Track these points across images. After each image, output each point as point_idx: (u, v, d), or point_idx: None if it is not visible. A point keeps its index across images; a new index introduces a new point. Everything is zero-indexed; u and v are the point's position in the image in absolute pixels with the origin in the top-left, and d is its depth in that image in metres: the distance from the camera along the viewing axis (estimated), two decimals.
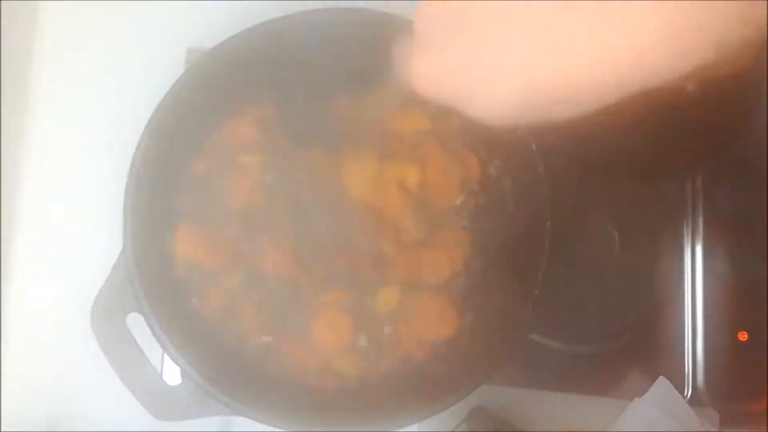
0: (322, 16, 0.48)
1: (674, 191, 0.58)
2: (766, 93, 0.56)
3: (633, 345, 0.56)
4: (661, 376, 0.51)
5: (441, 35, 0.30)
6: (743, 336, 0.56)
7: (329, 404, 0.49)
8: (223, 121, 0.52)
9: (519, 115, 0.28)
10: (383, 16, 0.48)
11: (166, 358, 0.46)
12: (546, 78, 0.26)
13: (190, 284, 0.51)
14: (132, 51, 0.60)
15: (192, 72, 0.48)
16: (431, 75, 0.30)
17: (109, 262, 0.47)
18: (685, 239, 0.57)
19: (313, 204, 0.51)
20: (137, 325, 0.46)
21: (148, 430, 0.49)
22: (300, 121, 0.53)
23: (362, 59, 0.51)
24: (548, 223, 0.47)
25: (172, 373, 0.50)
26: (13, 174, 0.58)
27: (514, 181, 0.52)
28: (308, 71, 0.52)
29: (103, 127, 0.59)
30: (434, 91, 0.31)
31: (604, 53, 0.25)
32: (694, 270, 0.57)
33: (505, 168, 0.53)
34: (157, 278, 0.48)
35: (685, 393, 0.55)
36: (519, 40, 0.26)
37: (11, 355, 0.56)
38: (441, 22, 0.29)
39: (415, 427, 0.48)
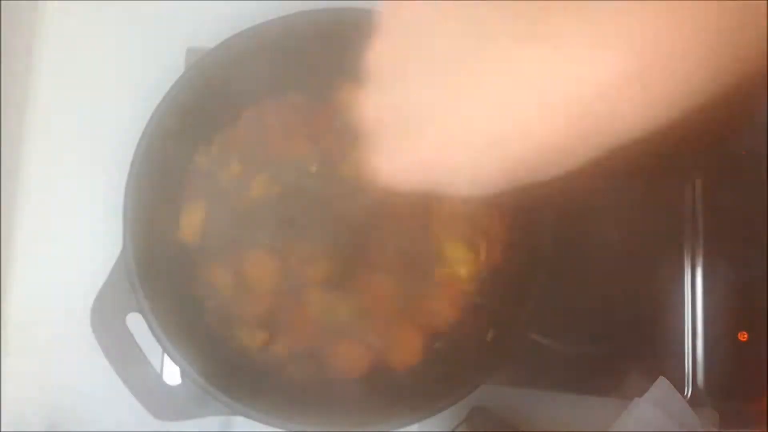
0: (321, 16, 0.48)
1: (674, 192, 0.58)
2: (767, 92, 0.56)
3: (633, 345, 0.56)
4: (661, 376, 0.51)
5: (394, 127, 0.28)
6: (743, 336, 0.56)
7: (329, 404, 0.49)
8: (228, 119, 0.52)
9: (505, 183, 0.27)
10: None
11: (166, 358, 0.46)
12: (522, 144, 0.25)
13: (191, 283, 0.51)
14: (132, 51, 0.60)
15: (192, 72, 0.48)
16: (398, 169, 0.29)
17: (109, 262, 0.47)
18: (685, 239, 0.57)
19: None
20: (137, 325, 0.46)
21: (148, 430, 0.49)
22: None
23: (362, 59, 0.51)
24: (548, 223, 0.47)
25: (172, 373, 0.50)
26: (13, 174, 0.58)
27: None
28: (308, 71, 0.52)
29: (103, 127, 0.59)
30: (406, 184, 0.29)
31: (577, 105, 0.23)
32: (694, 270, 0.57)
33: None
34: (157, 278, 0.48)
35: (685, 393, 0.55)
36: (484, 111, 0.25)
37: (11, 355, 0.56)
38: (390, 114, 0.28)
39: (415, 427, 0.48)
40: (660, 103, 0.23)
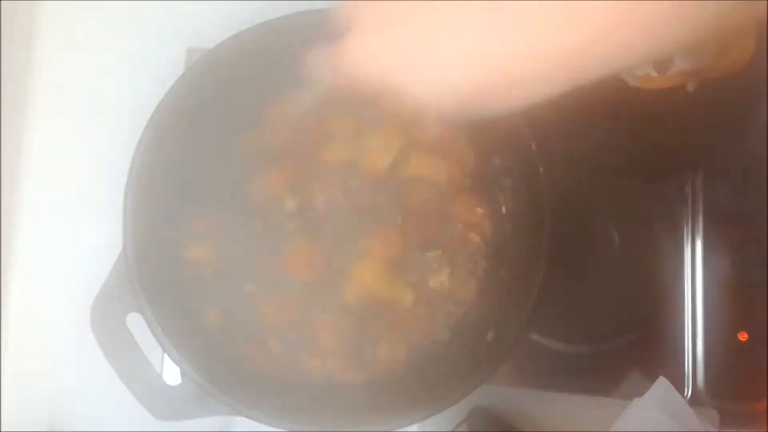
0: (322, 16, 0.48)
1: (674, 191, 0.58)
2: (766, 93, 0.56)
3: (633, 345, 0.56)
4: (661, 376, 0.51)
5: (373, 19, 0.29)
6: (743, 336, 0.56)
7: (329, 404, 0.49)
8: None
9: (455, 104, 0.28)
10: None
11: (166, 358, 0.46)
12: (488, 69, 0.26)
13: (192, 283, 0.51)
14: (132, 51, 0.60)
15: (192, 72, 0.48)
16: (362, 58, 0.30)
17: (109, 262, 0.47)
18: (685, 239, 0.57)
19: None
20: (137, 325, 0.46)
21: (148, 430, 0.49)
22: None
23: None
24: (548, 223, 0.47)
25: (172, 373, 0.49)
26: (13, 174, 0.58)
27: (514, 181, 0.52)
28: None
29: (103, 127, 0.59)
30: (364, 74, 0.30)
31: (547, 45, 0.25)
32: (694, 270, 0.57)
33: (505, 168, 0.53)
34: (157, 278, 0.48)
35: (685, 393, 0.55)
36: (462, 28, 0.26)
37: (11, 355, 0.56)
38: (373, 7, 0.29)
39: (415, 427, 0.48)
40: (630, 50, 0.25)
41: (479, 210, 0.54)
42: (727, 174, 0.58)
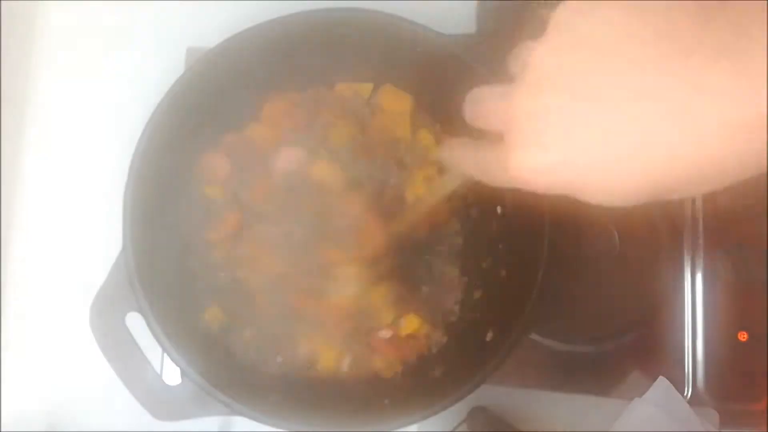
0: (322, 16, 0.48)
1: None
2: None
3: (633, 345, 0.56)
4: (661, 376, 0.51)
5: (541, 127, 0.27)
6: (743, 336, 0.56)
7: (329, 404, 0.49)
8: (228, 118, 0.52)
9: (643, 197, 0.27)
10: (383, 16, 0.48)
11: (166, 358, 0.46)
12: (670, 161, 0.25)
13: (192, 282, 0.51)
14: (132, 51, 0.60)
15: (192, 72, 0.48)
16: (539, 168, 0.28)
17: (109, 262, 0.47)
18: (685, 239, 0.57)
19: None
20: (137, 325, 0.46)
21: (148, 430, 0.49)
22: None
23: (361, 59, 0.51)
24: (548, 223, 0.47)
25: (172, 373, 0.49)
26: (13, 174, 0.58)
27: None
28: (308, 70, 0.52)
29: (103, 127, 0.59)
30: (544, 184, 0.29)
31: (734, 134, 0.23)
32: (694, 270, 0.57)
33: None
34: (157, 278, 0.48)
35: (685, 393, 0.55)
36: (640, 122, 0.25)
37: (11, 355, 0.56)
38: (540, 115, 0.27)
39: (415, 427, 0.48)
40: None
41: (479, 210, 0.54)
42: None
